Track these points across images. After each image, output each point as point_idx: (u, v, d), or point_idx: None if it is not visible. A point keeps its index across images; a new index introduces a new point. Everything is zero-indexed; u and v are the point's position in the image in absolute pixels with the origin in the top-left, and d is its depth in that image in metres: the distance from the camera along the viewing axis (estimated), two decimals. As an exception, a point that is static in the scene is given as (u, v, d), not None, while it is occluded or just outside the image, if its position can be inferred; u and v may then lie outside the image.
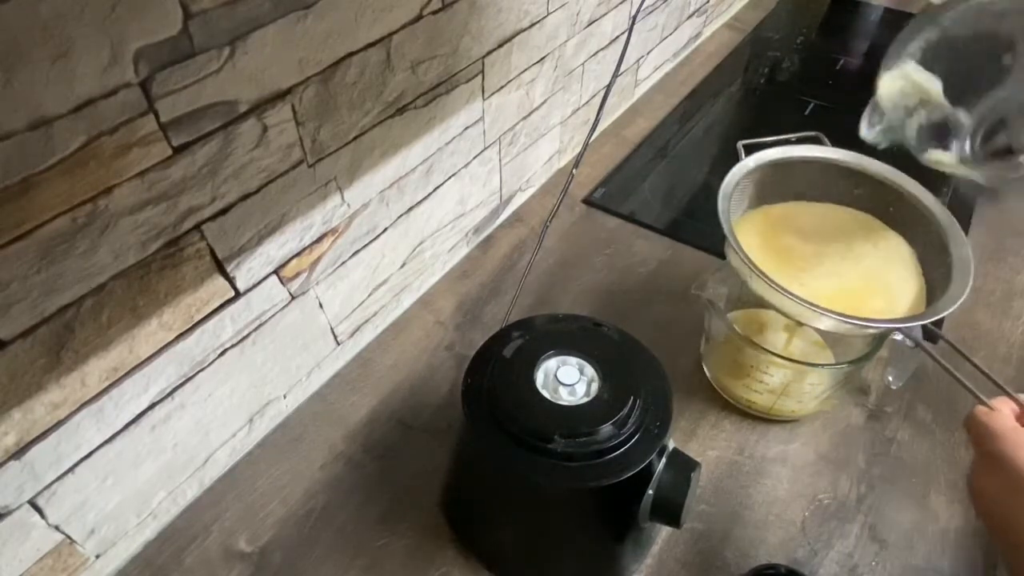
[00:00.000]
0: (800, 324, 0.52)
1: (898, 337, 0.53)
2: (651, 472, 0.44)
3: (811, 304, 0.46)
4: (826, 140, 0.59)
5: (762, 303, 0.52)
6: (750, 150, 0.57)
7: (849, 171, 0.57)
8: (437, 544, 0.52)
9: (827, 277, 0.52)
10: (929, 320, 0.46)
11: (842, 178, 0.57)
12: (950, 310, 0.46)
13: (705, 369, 0.64)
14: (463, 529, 0.53)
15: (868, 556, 0.52)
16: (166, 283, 0.44)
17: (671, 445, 0.46)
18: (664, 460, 0.44)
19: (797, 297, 0.47)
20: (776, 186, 0.58)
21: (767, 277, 0.48)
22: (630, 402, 0.44)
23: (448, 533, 0.53)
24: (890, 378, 0.58)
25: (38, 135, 0.33)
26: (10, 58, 0.31)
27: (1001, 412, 0.38)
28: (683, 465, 0.45)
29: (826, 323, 0.48)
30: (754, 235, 0.56)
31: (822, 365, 0.55)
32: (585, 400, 0.45)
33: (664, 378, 0.47)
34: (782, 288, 0.47)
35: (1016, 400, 0.39)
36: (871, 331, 0.51)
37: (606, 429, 0.43)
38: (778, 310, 0.50)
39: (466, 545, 0.52)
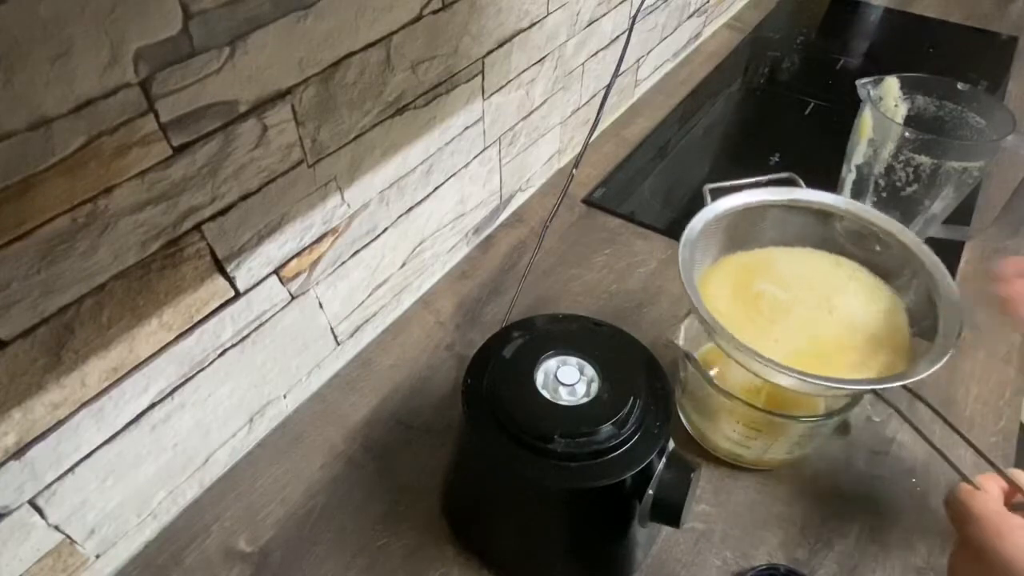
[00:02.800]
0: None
1: (873, 417, 0.52)
2: (651, 472, 0.44)
3: (770, 361, 0.43)
4: (800, 182, 0.55)
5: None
6: (717, 194, 0.54)
7: (827, 214, 0.54)
8: (437, 544, 0.52)
9: (798, 329, 0.49)
10: (896, 384, 0.42)
11: (821, 222, 0.54)
12: (923, 375, 0.42)
13: (683, 419, 0.60)
14: (463, 529, 0.53)
15: (868, 556, 0.52)
16: (166, 283, 0.44)
17: (671, 445, 0.46)
18: (664, 460, 0.44)
19: (757, 354, 0.43)
20: (750, 232, 0.55)
21: (727, 334, 0.45)
22: (630, 402, 0.44)
23: (448, 533, 0.53)
24: (871, 411, 0.58)
25: (38, 135, 0.33)
26: (10, 58, 0.31)
27: (985, 493, 0.35)
28: (683, 465, 0.45)
29: (788, 382, 0.44)
30: (725, 284, 0.53)
31: (811, 418, 0.52)
32: (585, 400, 0.45)
33: (664, 378, 0.47)
34: (742, 345, 0.44)
35: (1006, 477, 0.36)
36: (832, 393, 0.48)
37: (606, 429, 0.43)
38: (744, 367, 0.47)
39: (466, 545, 0.52)
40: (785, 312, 0.51)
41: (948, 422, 0.40)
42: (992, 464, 0.37)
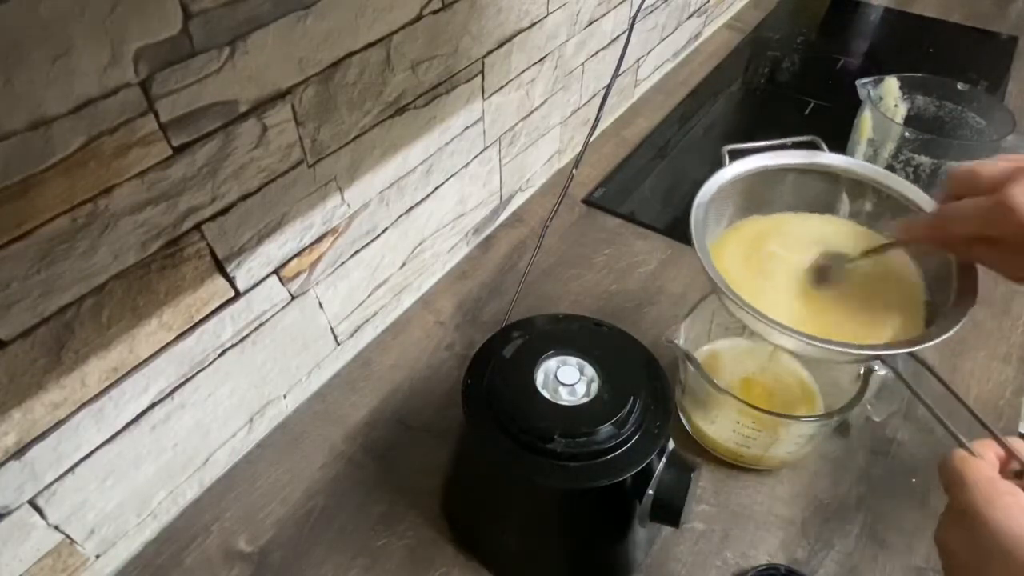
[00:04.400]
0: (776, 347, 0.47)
1: (880, 372, 0.49)
2: (651, 472, 0.44)
3: (774, 322, 0.42)
4: (823, 145, 0.54)
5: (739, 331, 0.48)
6: (736, 156, 0.52)
7: (851, 181, 0.52)
8: (437, 544, 0.52)
9: (804, 296, 0.48)
10: (902, 351, 0.41)
11: (843, 188, 0.53)
12: (932, 343, 0.40)
13: (683, 419, 0.59)
14: (463, 529, 0.53)
15: (868, 556, 0.52)
16: (166, 283, 0.44)
17: (671, 445, 0.46)
18: (664, 460, 0.44)
19: (760, 314, 0.42)
20: (767, 196, 0.53)
21: (733, 293, 0.43)
22: (630, 402, 0.44)
23: (448, 533, 0.53)
24: (871, 411, 0.57)
25: (38, 135, 0.33)
26: (10, 58, 0.31)
27: (981, 459, 0.34)
28: (683, 465, 0.45)
29: (792, 344, 0.43)
30: (738, 249, 0.51)
31: (811, 418, 0.52)
32: (585, 400, 0.45)
33: (664, 378, 0.47)
34: (746, 304, 0.43)
35: (1003, 444, 0.35)
36: (840, 358, 0.47)
37: (606, 429, 0.43)
38: (749, 327, 0.46)
39: (466, 545, 0.52)
40: (793, 280, 0.49)
41: (948, 387, 0.39)
42: (990, 430, 0.36)
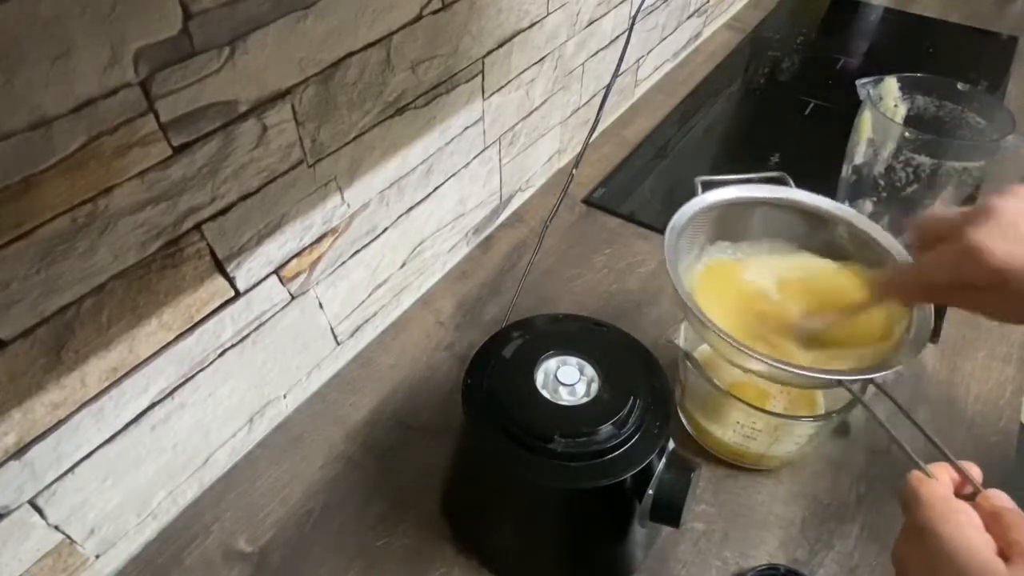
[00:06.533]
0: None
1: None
2: (651, 472, 0.44)
3: (740, 344, 0.44)
4: (790, 181, 0.56)
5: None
6: (708, 186, 0.54)
7: (822, 219, 0.54)
8: (437, 544, 0.52)
9: (789, 331, 0.49)
10: (861, 378, 0.43)
11: (815, 224, 0.54)
12: (889, 372, 0.43)
13: (683, 419, 0.60)
14: (463, 529, 0.53)
15: (868, 556, 0.52)
16: (166, 283, 0.44)
17: (671, 445, 0.46)
18: (664, 460, 0.44)
19: (727, 335, 0.44)
20: (738, 227, 0.55)
21: (703, 315, 0.45)
22: (630, 402, 0.44)
23: (448, 533, 0.53)
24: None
25: (38, 135, 0.33)
26: (10, 58, 0.31)
27: (937, 480, 0.36)
28: (683, 465, 0.45)
29: (757, 367, 0.45)
30: (715, 275, 0.53)
31: (811, 418, 0.52)
32: (585, 400, 0.45)
33: (664, 378, 0.47)
34: (713, 324, 0.45)
35: (957, 468, 0.36)
36: (805, 383, 0.49)
37: (606, 429, 0.43)
38: (714, 347, 0.47)
39: (466, 545, 0.52)
40: (778, 314, 0.50)
41: (910, 417, 0.41)
42: (945, 455, 0.37)
